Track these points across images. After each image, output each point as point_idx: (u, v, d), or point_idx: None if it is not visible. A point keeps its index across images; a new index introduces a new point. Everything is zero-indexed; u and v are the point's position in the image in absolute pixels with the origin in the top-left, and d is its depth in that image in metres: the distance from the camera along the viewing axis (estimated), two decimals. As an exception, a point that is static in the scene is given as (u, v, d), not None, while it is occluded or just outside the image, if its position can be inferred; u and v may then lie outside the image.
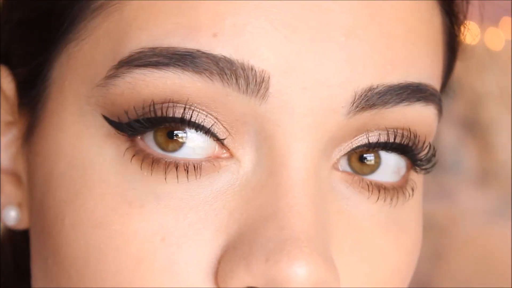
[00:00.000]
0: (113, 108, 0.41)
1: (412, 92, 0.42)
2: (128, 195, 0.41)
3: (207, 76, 0.39)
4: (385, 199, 0.43)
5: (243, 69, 0.39)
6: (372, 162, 0.43)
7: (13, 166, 0.48)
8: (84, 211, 0.41)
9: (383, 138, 0.42)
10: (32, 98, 0.46)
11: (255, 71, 0.39)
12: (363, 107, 0.40)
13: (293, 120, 0.40)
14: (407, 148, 0.43)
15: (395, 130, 0.42)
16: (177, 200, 0.40)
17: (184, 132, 0.40)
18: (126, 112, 0.40)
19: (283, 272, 0.38)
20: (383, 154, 0.43)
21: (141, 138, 0.41)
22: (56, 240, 0.43)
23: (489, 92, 1.13)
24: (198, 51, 0.39)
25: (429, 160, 0.44)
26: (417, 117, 0.42)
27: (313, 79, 0.40)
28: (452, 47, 0.48)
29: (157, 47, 0.40)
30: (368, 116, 0.41)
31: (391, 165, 0.43)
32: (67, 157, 0.43)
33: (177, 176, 0.40)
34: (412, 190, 0.44)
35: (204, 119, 0.40)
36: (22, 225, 0.47)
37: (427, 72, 0.43)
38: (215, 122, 0.40)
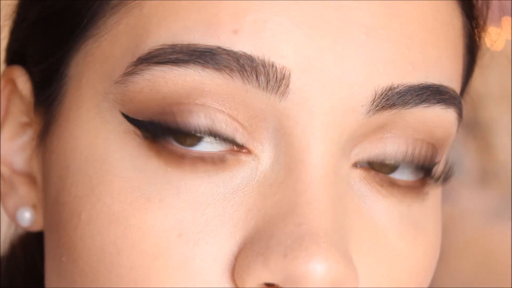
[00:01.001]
0: (132, 105, 0.41)
1: (432, 94, 0.42)
2: (147, 190, 0.40)
3: (227, 73, 0.39)
4: (399, 197, 0.42)
5: (264, 65, 0.39)
6: (392, 162, 0.42)
7: (28, 168, 0.48)
8: (101, 206, 0.41)
9: (402, 149, 0.42)
10: (48, 96, 0.46)
11: (276, 67, 0.39)
12: (383, 107, 0.40)
13: (313, 117, 0.40)
14: (423, 166, 0.43)
15: (414, 130, 0.42)
16: (197, 195, 0.40)
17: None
18: (146, 111, 0.40)
19: (302, 268, 0.37)
20: None
21: (162, 133, 0.40)
22: (71, 237, 0.42)
23: (489, 92, 1.13)
24: (219, 47, 0.39)
25: (444, 178, 0.44)
26: (437, 119, 0.42)
27: (333, 77, 0.39)
28: (471, 50, 0.48)
29: (177, 44, 0.40)
30: (387, 116, 0.41)
31: (410, 167, 0.43)
32: (83, 153, 0.42)
33: (206, 170, 0.40)
34: (428, 192, 0.44)
35: (225, 128, 0.40)
36: (37, 227, 0.47)
37: (447, 74, 0.43)
38: (235, 130, 0.40)
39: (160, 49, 0.40)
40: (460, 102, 0.43)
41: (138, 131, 0.40)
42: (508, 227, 1.18)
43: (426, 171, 0.43)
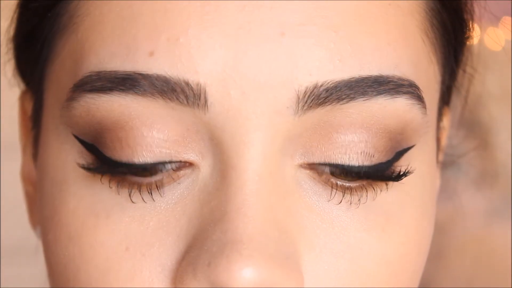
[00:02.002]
0: (78, 128, 0.42)
1: (370, 86, 0.40)
2: (96, 208, 0.42)
3: (149, 96, 0.40)
4: (358, 191, 0.41)
5: (179, 84, 0.39)
6: (348, 162, 0.41)
7: None
8: (61, 227, 0.43)
9: (356, 148, 0.41)
10: (34, 119, 0.49)
11: (191, 85, 0.39)
12: (311, 106, 0.40)
13: (238, 124, 0.39)
14: (384, 159, 0.41)
15: (361, 124, 0.41)
16: (141, 209, 0.41)
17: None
18: (89, 134, 0.42)
19: (223, 276, 0.38)
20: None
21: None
22: (46, 256, 0.45)
23: (489, 92, 1.13)
24: (136, 73, 0.40)
25: (404, 149, 0.42)
26: (383, 111, 0.41)
27: (252, 83, 0.39)
28: (446, 28, 0.46)
29: (101, 71, 0.41)
30: (324, 113, 0.40)
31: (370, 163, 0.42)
32: (49, 174, 0.44)
33: (142, 198, 0.41)
34: (394, 179, 0.42)
35: (158, 151, 0.40)
36: None
37: (390, 62, 0.41)
38: (170, 148, 0.40)
39: (88, 76, 0.41)
40: (414, 87, 0.41)
41: (87, 152, 0.42)
42: (508, 227, 1.18)
43: (390, 160, 0.42)
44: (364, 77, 0.40)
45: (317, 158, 0.41)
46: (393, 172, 0.42)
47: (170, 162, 0.41)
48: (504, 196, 1.22)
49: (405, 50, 0.42)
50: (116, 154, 0.41)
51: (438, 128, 0.50)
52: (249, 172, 0.40)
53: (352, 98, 0.40)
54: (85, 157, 0.42)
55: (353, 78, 0.40)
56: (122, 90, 0.40)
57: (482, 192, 1.22)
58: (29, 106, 0.51)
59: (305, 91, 0.39)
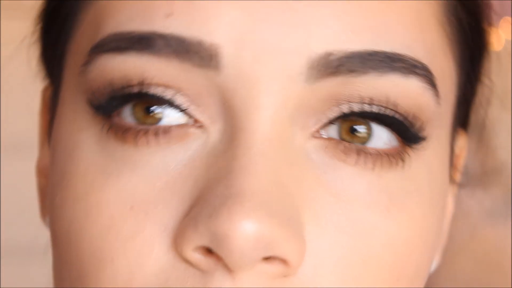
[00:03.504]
0: (91, 93, 0.43)
1: (382, 61, 0.40)
2: (107, 169, 0.42)
3: (164, 56, 0.40)
4: (368, 165, 0.41)
5: (193, 45, 0.40)
6: (364, 134, 0.42)
7: None
8: (69, 188, 0.43)
9: (356, 107, 0.41)
10: (53, 98, 0.50)
11: (204, 45, 0.40)
12: (323, 74, 0.40)
13: (250, 87, 0.40)
14: (389, 119, 0.41)
15: (371, 99, 0.41)
16: (150, 169, 0.41)
17: (160, 107, 0.42)
18: (97, 94, 0.42)
19: (222, 226, 0.37)
20: (375, 127, 0.42)
21: (117, 115, 0.42)
22: (52, 223, 0.45)
23: (489, 92, 1.13)
24: (152, 33, 0.41)
25: (418, 135, 0.43)
26: (396, 88, 0.41)
27: (266, 47, 0.40)
28: (463, 27, 0.46)
29: (119, 32, 0.42)
30: (335, 84, 0.40)
31: (383, 138, 0.42)
32: (63, 142, 0.45)
33: (147, 142, 0.42)
34: (403, 161, 0.42)
35: (164, 91, 0.41)
36: None
37: (404, 41, 0.41)
38: (175, 93, 0.41)
39: (106, 38, 0.42)
40: (428, 72, 0.42)
41: (98, 115, 0.43)
42: (508, 227, 1.18)
43: (401, 139, 0.42)
44: (377, 51, 0.40)
45: (323, 122, 0.42)
46: (412, 139, 0.43)
47: (182, 110, 0.41)
48: (504, 196, 1.22)
49: (419, 35, 0.42)
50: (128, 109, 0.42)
51: (453, 138, 0.49)
52: (258, 134, 0.40)
53: (365, 73, 0.40)
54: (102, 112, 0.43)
55: (365, 50, 0.40)
56: (138, 50, 0.41)
57: (482, 192, 1.22)
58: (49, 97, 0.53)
59: (317, 59, 0.40)
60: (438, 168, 0.45)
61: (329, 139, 0.42)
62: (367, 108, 0.41)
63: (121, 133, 0.42)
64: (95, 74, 0.42)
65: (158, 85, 0.41)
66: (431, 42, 0.43)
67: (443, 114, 0.45)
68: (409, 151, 0.43)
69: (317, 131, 0.42)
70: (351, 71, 0.40)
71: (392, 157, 0.42)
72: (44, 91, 0.58)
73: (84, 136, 0.44)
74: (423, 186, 0.44)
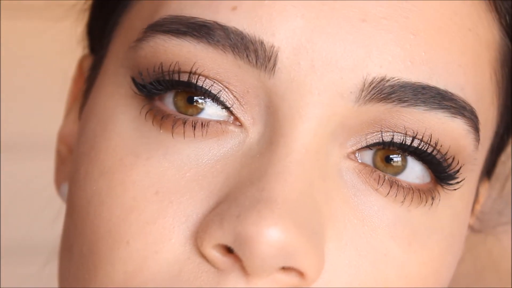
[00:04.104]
0: (138, 70, 0.43)
1: (434, 97, 0.40)
2: (138, 148, 0.42)
3: (220, 48, 0.40)
4: (396, 195, 0.41)
5: (253, 43, 0.40)
6: (398, 164, 0.42)
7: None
8: (96, 161, 0.43)
9: (398, 139, 0.41)
10: (93, 68, 0.50)
11: (264, 45, 0.40)
12: (373, 98, 0.40)
13: (299, 96, 0.40)
14: (427, 156, 0.41)
15: (414, 132, 0.41)
16: (182, 158, 0.41)
17: (203, 99, 0.42)
18: (144, 73, 0.42)
19: (250, 229, 0.37)
20: (410, 159, 0.42)
21: (159, 99, 0.42)
22: (72, 192, 0.45)
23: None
24: (215, 23, 0.40)
25: (453, 176, 0.42)
26: (441, 126, 0.41)
27: (323, 59, 0.40)
28: (511, 90, 0.46)
29: (180, 16, 0.41)
30: (382, 110, 0.40)
31: (416, 171, 0.42)
32: (97, 114, 0.45)
33: (184, 132, 0.41)
34: (432, 199, 0.42)
35: (212, 85, 0.41)
36: None
37: (458, 81, 0.41)
38: (222, 89, 0.41)
39: (165, 18, 0.42)
40: (474, 116, 0.41)
41: (142, 95, 0.42)
42: (508, 227, 1.18)
43: (435, 177, 0.42)
44: (431, 86, 0.40)
45: (366, 143, 0.42)
46: (447, 177, 0.43)
47: (224, 106, 0.41)
48: (504, 196, 1.22)
49: (473, 78, 0.42)
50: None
51: (479, 184, 0.49)
52: (298, 143, 0.40)
53: (414, 104, 0.40)
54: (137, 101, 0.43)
55: (420, 83, 0.40)
56: (196, 37, 0.41)
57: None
58: (88, 67, 0.52)
59: (371, 81, 0.40)
60: (462, 211, 0.45)
61: (364, 164, 0.42)
62: (408, 141, 0.41)
63: (160, 118, 0.42)
64: (146, 52, 0.42)
65: (207, 77, 0.41)
66: (482, 87, 0.43)
67: (478, 160, 0.45)
68: (440, 190, 0.43)
69: (353, 153, 0.42)
70: (402, 101, 0.40)
71: (423, 193, 0.42)
72: (82, 59, 0.57)
73: (121, 112, 0.43)
74: (446, 226, 0.44)
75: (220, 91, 0.41)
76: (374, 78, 0.40)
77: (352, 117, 0.40)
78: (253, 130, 0.41)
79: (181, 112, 0.42)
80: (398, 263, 0.41)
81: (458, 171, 0.42)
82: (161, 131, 0.42)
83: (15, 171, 1.07)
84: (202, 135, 0.41)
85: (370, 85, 0.40)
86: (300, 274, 0.39)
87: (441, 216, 0.43)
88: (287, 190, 0.39)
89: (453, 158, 0.42)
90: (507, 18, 0.45)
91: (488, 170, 0.53)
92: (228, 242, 0.38)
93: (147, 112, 0.42)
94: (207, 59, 0.41)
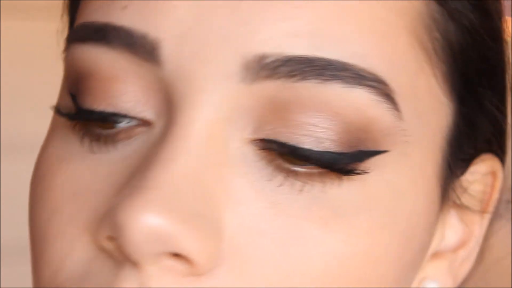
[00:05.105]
0: (67, 80, 0.45)
1: (325, 69, 0.39)
2: (63, 154, 0.44)
3: (117, 48, 0.41)
4: (292, 187, 0.40)
5: (139, 37, 0.40)
6: (304, 146, 0.40)
7: None
8: (35, 172, 0.45)
9: (311, 134, 0.40)
10: None
11: (148, 39, 0.40)
12: (259, 76, 0.39)
13: (187, 83, 0.40)
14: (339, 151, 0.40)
15: (311, 107, 0.40)
16: (97, 160, 0.42)
17: (115, 117, 0.43)
18: (70, 82, 0.44)
19: (120, 216, 0.37)
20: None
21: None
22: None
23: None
24: (107, 24, 0.41)
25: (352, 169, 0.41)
26: (339, 99, 0.40)
27: (205, 43, 0.40)
28: (452, 57, 0.44)
29: (83, 23, 0.43)
30: (275, 87, 0.39)
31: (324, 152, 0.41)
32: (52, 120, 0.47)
33: (100, 146, 0.43)
34: (339, 178, 0.41)
35: (124, 101, 0.42)
36: None
37: (355, 51, 0.40)
38: (134, 102, 0.42)
39: (75, 28, 0.44)
40: (381, 84, 0.40)
41: (71, 102, 0.44)
42: (508, 227, 1.18)
43: (347, 154, 0.41)
44: (318, 57, 0.39)
45: (266, 135, 0.40)
46: (347, 168, 0.40)
47: (127, 116, 0.42)
48: (504, 196, 1.22)
49: (381, 46, 0.41)
50: (85, 103, 0.43)
51: (456, 160, 0.47)
52: (187, 131, 0.39)
53: (304, 78, 0.39)
54: (69, 107, 0.44)
55: (305, 55, 0.39)
56: (96, 41, 0.42)
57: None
58: None
59: (253, 59, 0.39)
60: (410, 188, 0.43)
61: (267, 150, 0.41)
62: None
63: (82, 133, 0.43)
64: (67, 63, 0.44)
65: (117, 109, 0.42)
66: (398, 56, 0.42)
67: (416, 132, 0.43)
68: (358, 165, 0.41)
69: (259, 139, 0.41)
70: (290, 75, 0.39)
71: (334, 173, 0.40)
72: None
73: (59, 120, 0.45)
74: (379, 204, 0.42)
75: (126, 114, 0.42)
76: (255, 55, 0.39)
77: (245, 98, 0.40)
78: (158, 125, 0.41)
79: (99, 127, 0.43)
80: (314, 243, 0.40)
81: (370, 142, 0.41)
82: (80, 143, 0.43)
83: (15, 171, 1.07)
84: (116, 148, 0.42)
85: (252, 63, 0.39)
86: (187, 260, 0.38)
87: (373, 193, 0.42)
88: (164, 177, 0.38)
89: (361, 130, 0.40)
90: None
91: (490, 148, 0.50)
92: (111, 233, 0.38)
93: (72, 122, 0.44)
94: (108, 61, 0.42)
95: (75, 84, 0.43)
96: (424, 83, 0.43)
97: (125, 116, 0.42)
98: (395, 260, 0.43)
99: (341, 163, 0.40)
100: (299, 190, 0.40)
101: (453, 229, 0.50)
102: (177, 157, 0.39)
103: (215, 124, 0.40)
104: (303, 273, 0.40)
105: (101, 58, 0.42)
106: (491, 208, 0.52)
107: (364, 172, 0.41)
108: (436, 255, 0.49)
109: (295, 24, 0.39)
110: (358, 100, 0.40)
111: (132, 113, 0.42)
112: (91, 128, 0.43)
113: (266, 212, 0.40)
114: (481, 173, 0.50)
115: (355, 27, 0.40)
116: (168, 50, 0.40)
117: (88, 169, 0.42)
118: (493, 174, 0.52)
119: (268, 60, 0.39)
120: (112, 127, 0.42)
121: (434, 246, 0.49)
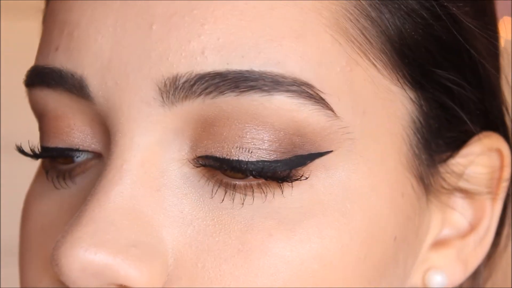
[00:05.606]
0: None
1: (239, 81, 0.39)
2: (37, 191, 0.46)
3: (58, 89, 0.42)
4: (233, 200, 0.40)
5: (68, 77, 0.41)
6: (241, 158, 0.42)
7: None
8: (24, 203, 0.49)
9: (243, 145, 0.40)
10: None
11: (75, 77, 0.41)
12: (177, 98, 0.40)
13: (115, 114, 0.40)
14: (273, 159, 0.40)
15: (237, 120, 0.40)
16: (60, 195, 0.44)
17: (72, 152, 0.45)
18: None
19: (55, 254, 0.39)
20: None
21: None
22: None
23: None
24: (44, 67, 0.42)
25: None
26: (261, 108, 0.40)
27: (123, 73, 0.40)
28: (389, 43, 0.43)
29: (32, 67, 0.44)
30: (197, 106, 0.40)
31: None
32: None
33: (58, 181, 0.45)
34: (280, 187, 0.41)
35: (76, 136, 0.43)
36: None
37: (270, 57, 0.40)
38: (79, 143, 0.43)
39: (26, 72, 0.45)
40: (302, 86, 0.40)
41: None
42: (509, 228, 1.18)
43: (283, 161, 0.40)
44: (230, 71, 0.39)
45: (201, 152, 0.41)
46: (288, 175, 0.40)
47: (79, 150, 0.43)
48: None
49: (299, 48, 0.40)
50: (43, 141, 0.45)
51: (429, 148, 0.46)
52: (117, 160, 0.40)
53: (221, 92, 0.39)
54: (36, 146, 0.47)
55: (217, 71, 0.39)
56: (39, 84, 0.43)
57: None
58: None
59: (165, 83, 0.40)
60: (364, 184, 0.43)
61: (206, 168, 0.41)
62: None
63: (47, 170, 0.46)
64: (30, 105, 0.47)
65: (68, 144, 0.44)
66: (322, 54, 0.41)
67: (362, 127, 0.42)
68: (299, 170, 0.41)
69: (196, 157, 0.41)
70: (206, 92, 0.40)
71: (274, 183, 0.41)
72: None
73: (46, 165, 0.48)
74: (330, 206, 0.42)
75: (78, 148, 0.43)
76: (167, 78, 0.40)
77: (171, 121, 0.40)
78: (105, 156, 0.43)
79: (61, 163, 0.45)
80: (259, 255, 0.40)
81: (303, 146, 0.41)
82: (46, 179, 0.46)
83: (15, 171, 1.07)
84: (74, 183, 0.44)
85: (166, 87, 0.40)
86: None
87: (321, 196, 0.41)
88: (96, 211, 0.39)
89: (291, 134, 0.40)
90: None
91: (485, 126, 0.49)
92: (55, 269, 0.40)
93: (42, 162, 0.47)
94: (52, 102, 0.43)
95: (39, 123, 0.46)
96: (361, 76, 0.42)
97: (77, 150, 0.43)
98: (359, 260, 0.42)
99: (278, 171, 0.40)
100: (240, 204, 0.40)
101: (459, 215, 0.49)
102: (111, 189, 0.39)
103: (147, 150, 0.40)
104: (251, 284, 0.40)
105: (47, 100, 0.43)
106: (502, 190, 0.50)
107: (305, 177, 0.40)
108: (440, 243, 0.48)
109: (203, 41, 0.40)
110: (281, 106, 0.40)
111: (82, 147, 0.43)
112: (55, 164, 0.45)
113: (209, 229, 0.40)
114: (476, 153, 0.49)
115: (265, 34, 0.40)
116: (94, 85, 0.41)
117: (55, 204, 0.44)
118: (499, 152, 0.49)
119: (181, 81, 0.39)
120: (72, 162, 0.44)
121: (433, 235, 0.48)
